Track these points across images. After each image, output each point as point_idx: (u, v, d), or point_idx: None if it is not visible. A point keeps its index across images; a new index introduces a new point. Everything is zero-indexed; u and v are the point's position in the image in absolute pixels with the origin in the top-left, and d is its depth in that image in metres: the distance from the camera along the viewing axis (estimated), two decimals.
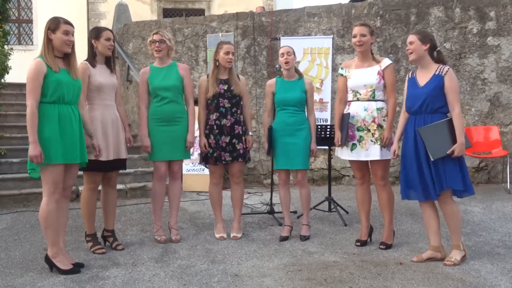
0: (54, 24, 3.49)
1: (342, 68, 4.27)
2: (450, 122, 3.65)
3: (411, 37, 3.78)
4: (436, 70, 3.71)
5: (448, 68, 3.69)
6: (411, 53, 3.77)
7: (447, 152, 3.59)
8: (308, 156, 4.44)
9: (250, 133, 4.57)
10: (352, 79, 4.14)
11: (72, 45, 3.55)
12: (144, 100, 4.37)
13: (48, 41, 3.47)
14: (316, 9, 7.59)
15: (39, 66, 3.41)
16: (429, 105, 3.69)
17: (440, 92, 3.67)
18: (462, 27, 7.14)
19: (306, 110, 4.51)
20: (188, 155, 4.47)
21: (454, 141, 3.60)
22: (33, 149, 3.34)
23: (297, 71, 4.55)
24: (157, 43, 4.28)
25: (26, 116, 3.37)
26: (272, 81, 4.58)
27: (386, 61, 4.10)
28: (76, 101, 3.61)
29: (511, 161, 6.57)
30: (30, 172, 3.48)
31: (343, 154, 4.24)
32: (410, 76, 3.88)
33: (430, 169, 3.67)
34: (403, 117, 3.92)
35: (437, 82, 3.67)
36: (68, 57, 3.56)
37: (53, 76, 3.44)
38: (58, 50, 3.51)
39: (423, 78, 3.76)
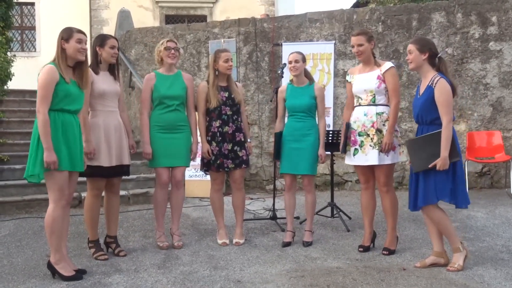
0: (67, 33, 3.51)
1: (348, 74, 4.30)
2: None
3: (410, 46, 3.70)
4: (430, 81, 3.62)
5: (439, 79, 3.56)
6: (410, 62, 3.72)
7: (429, 166, 3.54)
8: (315, 162, 4.43)
9: (249, 140, 4.60)
10: (354, 85, 4.17)
11: (85, 53, 3.57)
12: (147, 106, 4.36)
13: (61, 50, 3.49)
14: (318, 15, 7.61)
15: (52, 73, 3.41)
16: (423, 116, 3.66)
17: (432, 103, 3.58)
18: (464, 32, 7.14)
19: (316, 115, 4.51)
20: (189, 162, 4.49)
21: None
22: (49, 155, 3.35)
23: (308, 76, 4.53)
24: (172, 50, 4.32)
25: (38, 124, 3.37)
26: (283, 87, 4.62)
27: (387, 65, 4.08)
28: (77, 111, 3.62)
29: None
30: (29, 178, 3.46)
31: (347, 159, 4.28)
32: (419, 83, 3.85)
33: (418, 181, 3.66)
34: None
35: (428, 93, 3.60)
36: (80, 66, 3.57)
37: (64, 86, 3.45)
38: (71, 59, 3.52)
39: (422, 87, 3.72)
